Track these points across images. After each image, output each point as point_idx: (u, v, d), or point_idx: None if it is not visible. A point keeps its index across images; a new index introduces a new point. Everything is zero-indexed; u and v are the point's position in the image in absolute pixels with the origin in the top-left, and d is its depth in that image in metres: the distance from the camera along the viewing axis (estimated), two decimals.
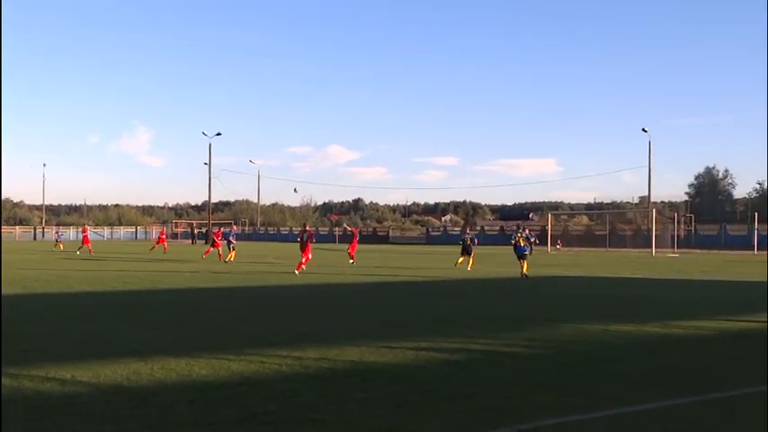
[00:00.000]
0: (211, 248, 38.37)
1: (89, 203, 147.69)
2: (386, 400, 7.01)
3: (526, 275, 25.16)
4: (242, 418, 6.29)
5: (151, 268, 29.63)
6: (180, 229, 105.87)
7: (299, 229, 29.75)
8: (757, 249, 53.61)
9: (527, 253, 26.35)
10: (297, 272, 25.21)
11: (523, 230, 28.40)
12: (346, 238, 37.31)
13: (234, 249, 35.59)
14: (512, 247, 27.11)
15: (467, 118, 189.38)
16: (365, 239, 75.56)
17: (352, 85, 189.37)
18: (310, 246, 26.14)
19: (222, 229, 39.38)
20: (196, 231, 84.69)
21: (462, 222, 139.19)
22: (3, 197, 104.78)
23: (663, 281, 24.49)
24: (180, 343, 10.29)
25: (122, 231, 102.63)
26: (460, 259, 31.40)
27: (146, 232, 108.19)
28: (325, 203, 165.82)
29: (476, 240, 32.94)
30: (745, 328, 12.21)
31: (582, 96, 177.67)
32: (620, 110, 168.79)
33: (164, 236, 52.85)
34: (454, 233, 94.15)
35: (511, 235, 32.24)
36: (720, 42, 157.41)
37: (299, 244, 26.79)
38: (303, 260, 25.74)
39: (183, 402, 6.86)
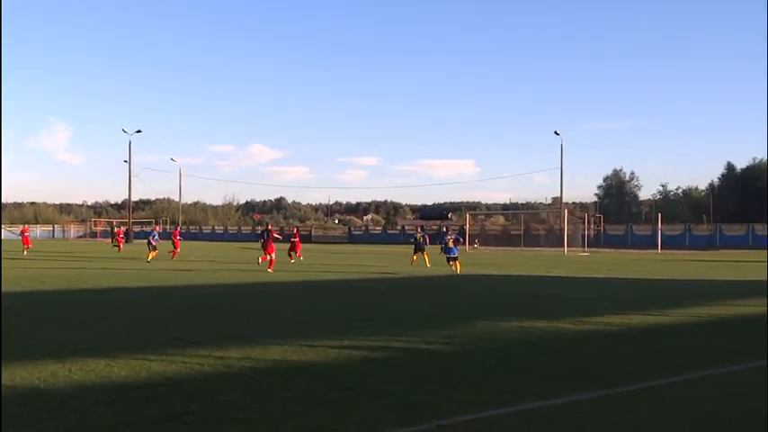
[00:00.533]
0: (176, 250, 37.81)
1: (3, 201, 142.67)
2: (308, 398, 6.96)
3: (459, 274, 25.94)
4: (163, 419, 6.16)
5: (75, 266, 28.87)
6: (99, 228, 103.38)
7: (261, 228, 32.66)
8: (689, 249, 55.31)
9: (457, 255, 27.04)
10: (269, 269, 26.94)
11: (452, 233, 29.23)
12: (284, 239, 37.90)
13: (155, 250, 34.95)
14: (439, 248, 28.10)
15: (387, 118, 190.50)
16: (287, 239, 75.19)
17: (276, 83, 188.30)
18: (273, 244, 28.51)
19: (157, 228, 38.55)
20: (119, 230, 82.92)
21: (384, 221, 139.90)
22: None
23: (574, 279, 25.07)
24: (100, 343, 10.02)
25: (38, 230, 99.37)
26: (414, 257, 32.61)
27: (63, 231, 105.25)
28: (247, 202, 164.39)
29: (427, 239, 33.74)
30: (653, 324, 12.58)
31: (499, 99, 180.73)
32: (534, 113, 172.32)
33: (120, 235, 51.64)
34: (375, 232, 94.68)
35: (439, 236, 33.15)
36: (630, 50, 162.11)
37: (260, 243, 29.34)
38: (272, 257, 27.87)
39: (103, 404, 6.68)
